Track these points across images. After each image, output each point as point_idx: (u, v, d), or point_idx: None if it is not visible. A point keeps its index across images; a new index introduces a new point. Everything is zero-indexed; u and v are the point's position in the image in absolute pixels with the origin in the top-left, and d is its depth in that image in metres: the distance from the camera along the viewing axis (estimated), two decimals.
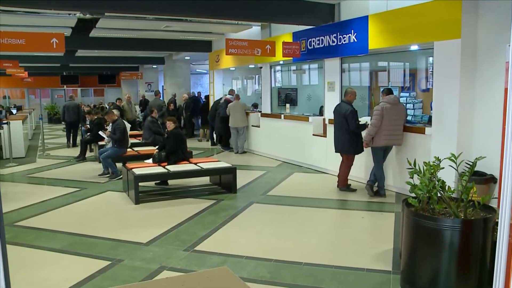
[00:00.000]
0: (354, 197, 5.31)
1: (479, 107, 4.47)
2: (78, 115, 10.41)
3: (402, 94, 6.78)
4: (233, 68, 10.71)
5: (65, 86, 18.64)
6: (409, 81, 6.88)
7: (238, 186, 5.65)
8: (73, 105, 10.39)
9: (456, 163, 2.77)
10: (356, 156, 5.50)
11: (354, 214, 4.75)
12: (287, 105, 8.29)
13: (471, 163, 2.93)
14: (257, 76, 11.52)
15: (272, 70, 8.59)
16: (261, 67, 8.78)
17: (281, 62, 8.26)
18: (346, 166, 5.50)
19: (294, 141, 7.54)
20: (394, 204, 4.97)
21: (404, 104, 6.35)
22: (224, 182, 5.74)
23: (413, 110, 6.34)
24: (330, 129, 6.26)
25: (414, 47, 5.40)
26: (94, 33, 9.12)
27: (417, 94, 6.77)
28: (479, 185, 4.08)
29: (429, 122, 5.18)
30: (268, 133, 8.32)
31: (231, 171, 5.47)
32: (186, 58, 13.90)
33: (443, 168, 2.91)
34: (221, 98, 9.82)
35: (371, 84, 7.29)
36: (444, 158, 2.93)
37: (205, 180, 6.15)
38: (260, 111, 8.89)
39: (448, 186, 2.88)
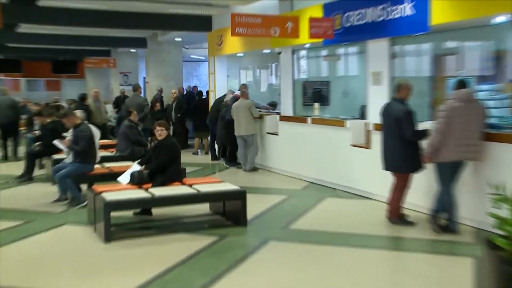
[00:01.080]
0: (411, 233, 5.25)
1: None
2: (15, 115, 10.21)
3: (480, 86, 6.66)
4: (241, 54, 10.77)
5: (1, 75, 18.35)
6: (491, 68, 6.76)
7: (248, 217, 5.63)
8: (8, 101, 10.26)
9: None
10: (414, 175, 5.47)
11: (412, 258, 4.69)
12: (316, 105, 8.31)
13: None
14: (274, 65, 11.58)
15: (295, 56, 8.61)
16: (279, 53, 8.81)
17: (308, 46, 8.27)
18: (399, 189, 5.47)
19: (325, 154, 7.53)
20: (472, 245, 4.84)
21: (484, 102, 6.21)
22: (229, 211, 5.77)
23: (498, 110, 6.20)
24: (376, 138, 6.20)
25: (500, 19, 5.31)
26: (44, 1, 8.80)
27: (504, 86, 6.63)
28: None
29: None
30: (290, 143, 8.33)
31: (239, 196, 5.50)
32: (176, 39, 14.05)
33: None
34: (224, 95, 9.85)
35: (435, 74, 7.20)
36: None
37: (204, 208, 6.15)
38: (279, 113, 8.90)
39: None
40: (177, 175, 5.79)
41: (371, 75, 6.72)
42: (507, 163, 4.92)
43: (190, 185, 5.61)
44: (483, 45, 6.97)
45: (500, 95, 6.36)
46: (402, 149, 5.27)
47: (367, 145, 6.74)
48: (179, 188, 5.54)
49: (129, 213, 5.94)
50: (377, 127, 6.25)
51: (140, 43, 14.94)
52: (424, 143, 5.24)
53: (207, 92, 11.62)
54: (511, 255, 2.79)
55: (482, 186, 5.01)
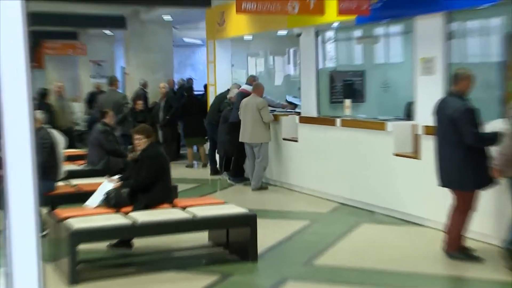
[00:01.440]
0: (477, 272, 5.23)
1: None
2: None
3: None
4: (250, 37, 10.77)
5: None
6: None
7: (259, 249, 5.63)
8: None
9: None
10: (480, 194, 5.45)
11: None
12: (347, 102, 8.33)
13: None
14: (292, 50, 11.61)
15: (320, 39, 8.62)
16: (299, 35, 8.85)
17: (336, 25, 8.29)
18: (460, 213, 5.46)
19: (359, 166, 7.56)
20: None
21: None
22: (234, 242, 5.82)
23: None
24: (428, 144, 6.17)
25: None
26: None
27: None
28: None
29: None
30: (313, 153, 8.36)
31: (248, 222, 5.54)
32: (165, 18, 14.13)
33: None
34: (228, 90, 9.89)
35: (507, 60, 7.10)
36: None
37: (201, 238, 6.15)
38: (299, 113, 8.92)
39: None
40: (165, 194, 5.80)
41: (420, 62, 6.72)
42: None
43: (183, 208, 5.64)
44: None
45: None
46: (463, 158, 5.28)
47: (415, 155, 6.74)
48: (168, 212, 5.56)
49: (102, 245, 5.91)
50: (428, 130, 6.25)
51: (117, 23, 15.07)
52: (494, 151, 5.20)
53: (205, 86, 11.62)
54: None
55: None
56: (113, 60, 18.80)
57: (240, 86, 9.73)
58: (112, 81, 11.09)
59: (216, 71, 10.93)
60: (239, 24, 9.93)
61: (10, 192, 1.39)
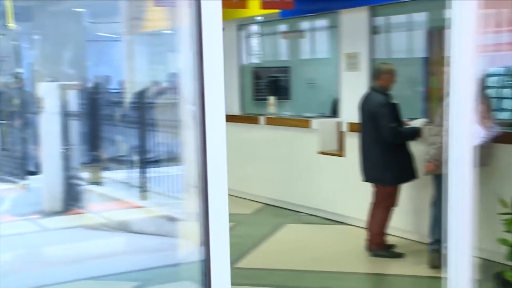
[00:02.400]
0: (399, 269, 5.30)
1: None
2: None
3: (491, 70, 6.71)
4: (170, 32, 10.60)
5: None
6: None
7: (179, 253, 5.48)
8: None
9: None
10: (401, 189, 5.57)
11: None
12: (272, 99, 8.32)
13: None
14: None
15: (243, 34, 8.62)
16: (223, 29, 8.72)
17: (259, 19, 8.31)
18: (382, 209, 5.57)
19: (284, 166, 7.55)
20: (480, 281, 4.87)
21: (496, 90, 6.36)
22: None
23: None
24: (352, 142, 6.23)
25: None
26: None
27: None
28: None
29: None
30: (236, 152, 8.22)
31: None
32: (76, 10, 13.72)
33: None
34: (146, 89, 9.70)
35: (431, 55, 7.29)
36: None
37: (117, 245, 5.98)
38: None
39: None
40: None
41: (344, 57, 6.81)
42: (507, 171, 5.06)
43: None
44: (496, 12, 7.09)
45: None
46: (383, 153, 5.41)
47: (340, 152, 6.83)
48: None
49: None
50: (353, 127, 6.34)
51: (23, 14, 14.48)
52: (432, 147, 5.22)
53: (122, 83, 11.39)
54: None
55: (491, 204, 5.02)
56: (19, 55, 18.04)
57: (159, 83, 9.60)
58: (16, 79, 10.75)
59: (134, 68, 10.70)
60: (158, 18, 9.75)
61: None
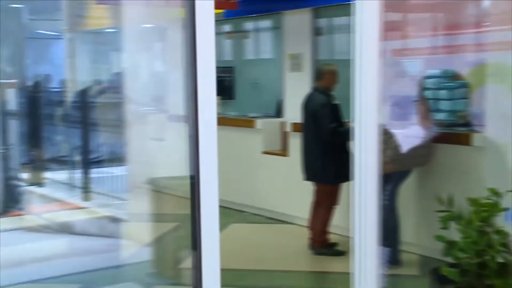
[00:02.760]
0: (341, 266, 5.30)
1: None
2: None
3: (429, 72, 6.81)
4: (114, 30, 10.46)
5: None
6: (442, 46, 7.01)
7: (124, 254, 5.61)
8: None
9: None
10: (342, 188, 5.62)
11: None
12: (216, 99, 8.27)
13: None
14: (160, 45, 11.39)
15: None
16: (166, 29, 8.65)
17: None
18: (323, 208, 5.65)
19: (229, 165, 7.50)
20: (418, 277, 5.04)
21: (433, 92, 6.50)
22: None
23: (449, 102, 6.48)
24: (296, 141, 6.31)
25: None
26: None
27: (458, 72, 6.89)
28: None
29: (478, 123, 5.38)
30: (181, 151, 8.18)
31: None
32: (14, 6, 13.34)
33: (507, 209, 3.02)
34: (88, 88, 9.55)
35: None
36: (510, 191, 3.00)
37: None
38: (168, 112, 8.75)
39: None
40: None
41: (288, 58, 6.88)
42: (458, 170, 5.21)
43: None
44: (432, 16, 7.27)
45: (452, 83, 6.68)
46: (324, 152, 5.49)
47: (283, 152, 6.87)
48: None
49: None
50: (296, 127, 6.39)
51: None
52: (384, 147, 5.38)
53: (63, 82, 11.17)
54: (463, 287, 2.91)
55: (429, 202, 5.11)
56: None
57: (101, 83, 9.47)
58: None
59: (76, 66, 10.51)
60: (101, 16, 9.61)
61: None
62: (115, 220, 6.25)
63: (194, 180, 1.79)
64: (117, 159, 7.98)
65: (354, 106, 2.50)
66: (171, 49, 8.67)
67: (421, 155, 5.29)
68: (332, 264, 5.47)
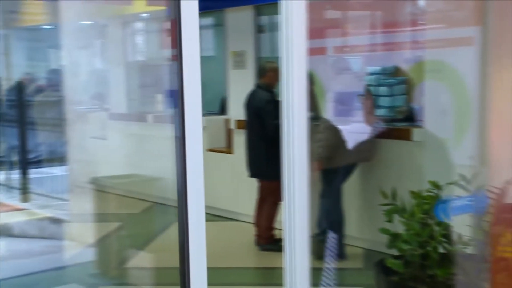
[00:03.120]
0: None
1: None
2: None
3: (369, 69, 6.98)
4: (50, 27, 10.24)
5: None
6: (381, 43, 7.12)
7: (69, 255, 5.57)
8: None
9: (469, 191, 2.90)
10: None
11: None
12: (159, 96, 8.22)
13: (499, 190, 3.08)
14: (100, 42, 11.21)
15: (128, 30, 8.51)
16: (106, 26, 8.55)
17: (146, 16, 8.22)
18: (268, 204, 5.67)
19: (173, 163, 7.44)
20: (363, 270, 5.13)
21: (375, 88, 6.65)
22: None
23: (389, 98, 6.63)
24: (240, 139, 6.33)
25: None
26: None
27: (398, 68, 7.04)
28: None
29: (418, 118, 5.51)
30: (123, 149, 8.13)
31: None
32: None
33: (447, 201, 3.08)
34: (23, 85, 9.30)
35: (313, 53, 7.54)
36: (449, 184, 3.07)
37: None
38: (109, 110, 8.68)
39: (459, 234, 3.01)
40: None
41: (230, 55, 6.88)
42: (400, 164, 5.32)
43: None
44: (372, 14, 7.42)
45: (392, 79, 6.82)
46: (267, 149, 5.47)
47: (228, 149, 6.89)
48: None
49: None
50: (240, 124, 6.41)
51: None
52: (315, 145, 5.33)
53: None
54: (406, 279, 2.99)
55: (373, 196, 5.23)
56: None
57: (36, 80, 9.25)
58: None
59: (10, 63, 10.19)
60: (36, 12, 9.36)
61: None
62: (55, 221, 6.11)
63: (181, 184, 1.79)
64: (57, 158, 7.82)
65: (282, 103, 2.54)
66: (111, 46, 8.55)
67: (365, 150, 5.40)
68: (278, 260, 5.49)
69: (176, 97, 1.95)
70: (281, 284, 5.04)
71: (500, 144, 3.01)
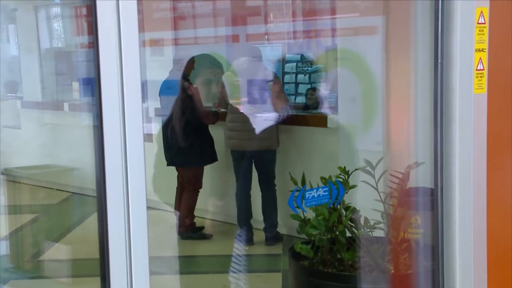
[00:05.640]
0: (209, 249, 5.45)
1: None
2: None
3: (288, 56, 6.99)
4: None
5: None
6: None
7: None
8: None
9: (374, 176, 2.98)
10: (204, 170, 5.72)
11: (211, 281, 4.86)
12: (76, 85, 8.02)
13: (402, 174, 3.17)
14: (11, 26, 10.79)
15: (42, 15, 8.28)
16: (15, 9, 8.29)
17: (59, 1, 8.10)
18: (190, 192, 5.69)
19: (90, 153, 7.32)
20: (281, 256, 5.21)
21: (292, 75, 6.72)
22: None
23: (306, 86, 6.71)
24: (158, 127, 6.23)
25: None
26: None
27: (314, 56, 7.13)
28: (424, 212, 4.50)
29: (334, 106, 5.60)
30: (39, 139, 7.94)
31: None
32: None
33: (355, 186, 3.14)
34: None
35: None
36: (356, 169, 3.13)
37: None
38: (22, 98, 8.44)
39: (365, 218, 3.09)
40: None
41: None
42: (313, 151, 5.42)
43: None
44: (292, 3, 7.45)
45: (308, 67, 6.92)
46: (185, 135, 5.51)
47: (147, 138, 6.77)
48: None
49: None
50: (157, 112, 6.32)
51: None
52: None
53: None
54: (315, 263, 3.05)
55: (288, 183, 5.43)
56: None
57: None
58: None
59: None
60: None
61: None
62: None
63: (100, 173, 1.75)
64: None
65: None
66: (23, 32, 8.23)
67: (265, 138, 5.45)
68: (200, 248, 5.52)
69: (93, 85, 1.89)
70: (202, 272, 5.07)
71: (400, 130, 3.11)
